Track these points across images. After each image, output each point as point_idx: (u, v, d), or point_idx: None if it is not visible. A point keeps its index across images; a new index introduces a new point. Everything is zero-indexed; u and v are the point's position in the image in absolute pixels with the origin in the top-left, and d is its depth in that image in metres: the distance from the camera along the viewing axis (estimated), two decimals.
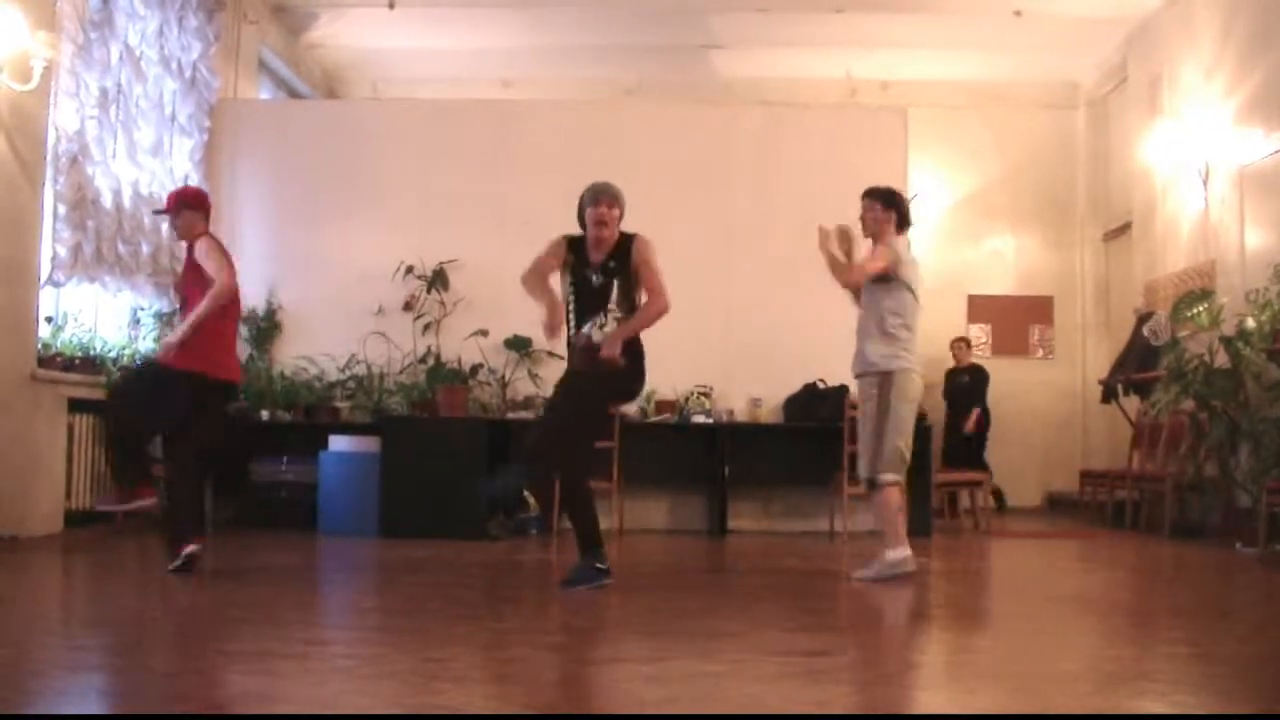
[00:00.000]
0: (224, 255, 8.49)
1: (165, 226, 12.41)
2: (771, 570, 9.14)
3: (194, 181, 12.98)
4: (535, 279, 8.11)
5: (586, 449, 8.52)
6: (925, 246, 16.89)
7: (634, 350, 8.08)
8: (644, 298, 8.08)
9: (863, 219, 8.84)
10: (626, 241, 8.20)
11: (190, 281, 8.50)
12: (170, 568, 8.16)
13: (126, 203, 11.80)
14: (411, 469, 11.49)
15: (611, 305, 8.08)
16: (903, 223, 8.91)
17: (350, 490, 11.51)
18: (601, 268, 8.14)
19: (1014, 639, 6.55)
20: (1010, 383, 17.20)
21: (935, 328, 16.67)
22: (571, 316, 8.15)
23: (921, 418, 12.44)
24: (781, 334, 12.75)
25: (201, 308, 8.21)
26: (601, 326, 8.06)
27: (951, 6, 15.06)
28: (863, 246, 8.93)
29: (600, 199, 8.17)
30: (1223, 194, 12.89)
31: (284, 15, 15.56)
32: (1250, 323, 11.38)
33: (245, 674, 5.19)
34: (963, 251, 17.50)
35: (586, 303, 8.12)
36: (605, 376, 7.98)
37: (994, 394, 17.03)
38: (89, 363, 11.35)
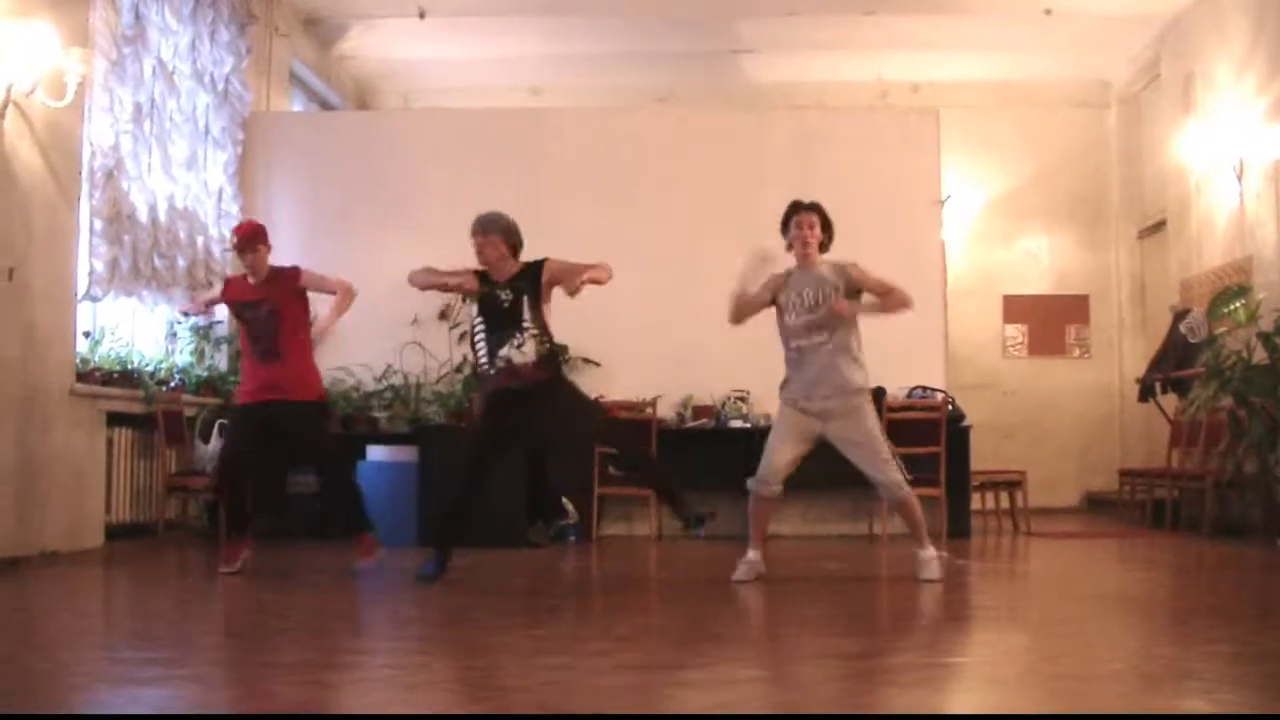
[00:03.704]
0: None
1: (201, 241, 12.52)
2: (811, 575, 9.13)
3: (228, 195, 13.05)
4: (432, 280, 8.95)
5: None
6: (959, 248, 16.88)
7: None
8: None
9: (805, 238, 8.66)
10: (536, 264, 8.54)
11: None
12: None
13: (162, 217, 11.85)
14: (449, 478, 11.47)
15: (526, 322, 8.42)
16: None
17: (388, 500, 11.49)
18: (510, 285, 8.49)
19: (1055, 639, 6.53)
20: (1047, 382, 17.17)
21: (971, 329, 16.71)
22: (482, 342, 8.52)
23: (959, 419, 12.47)
24: None
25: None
26: (519, 346, 8.36)
27: (982, 7, 15.01)
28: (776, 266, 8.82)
29: (475, 230, 8.69)
30: (1258, 189, 12.82)
31: (315, 28, 15.60)
32: None
33: (289, 685, 5.20)
34: (997, 252, 17.45)
35: (498, 323, 8.48)
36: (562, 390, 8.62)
37: (1031, 394, 17.03)
38: (127, 377, 11.41)
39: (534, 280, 8.39)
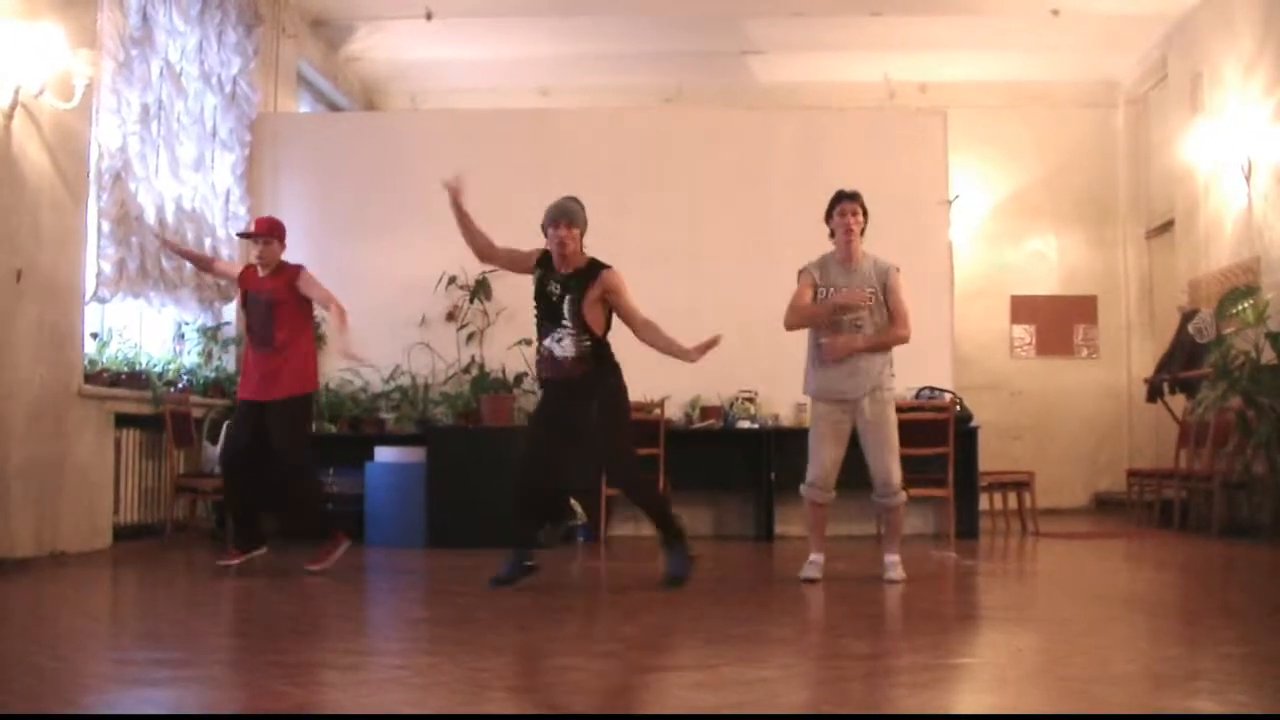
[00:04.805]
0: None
1: (209, 242, 12.52)
2: (820, 575, 9.10)
3: (236, 196, 13.07)
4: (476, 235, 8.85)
5: (636, 459, 8.96)
6: (967, 248, 16.87)
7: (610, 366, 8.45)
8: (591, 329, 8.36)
9: (849, 225, 8.71)
10: (595, 268, 8.38)
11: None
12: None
13: (170, 218, 11.86)
14: (457, 479, 11.48)
15: (566, 320, 8.30)
16: None
17: (397, 501, 11.52)
18: (563, 281, 8.36)
19: (1065, 640, 6.52)
20: (1055, 383, 17.17)
21: (979, 329, 16.69)
22: (536, 327, 8.52)
23: (967, 420, 12.46)
24: None
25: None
26: (559, 341, 8.32)
27: (989, 7, 15.01)
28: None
29: (559, 221, 8.35)
30: (1266, 190, 12.81)
31: (322, 29, 15.62)
32: None
33: (297, 685, 5.20)
34: (1005, 252, 17.44)
35: (545, 314, 8.43)
36: (606, 396, 8.39)
37: (1039, 394, 17.03)
38: (135, 378, 11.42)
39: (584, 285, 8.29)
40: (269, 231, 9.42)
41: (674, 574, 8.34)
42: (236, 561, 9.10)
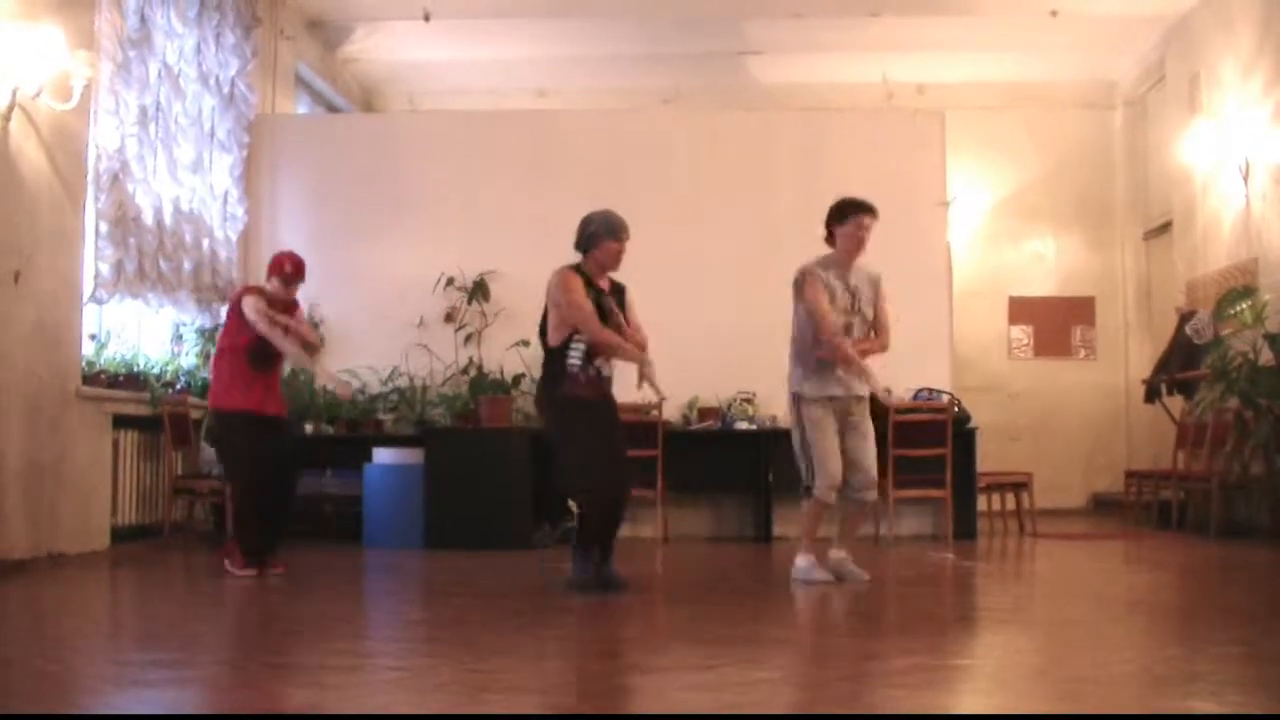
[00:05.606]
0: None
1: (207, 243, 12.53)
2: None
3: (234, 198, 13.05)
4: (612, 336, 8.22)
5: None
6: (965, 249, 16.86)
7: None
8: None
9: (863, 240, 8.68)
10: (621, 285, 8.46)
11: None
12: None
13: (168, 219, 11.85)
14: (455, 480, 11.47)
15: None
16: None
17: (395, 502, 11.51)
18: (611, 297, 8.31)
19: (1063, 641, 6.52)
20: (1053, 384, 17.15)
21: (977, 331, 16.68)
22: (580, 345, 8.18)
23: (965, 421, 12.45)
24: None
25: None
26: (609, 359, 8.28)
27: (987, 8, 15.00)
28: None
29: (623, 235, 8.25)
30: (1264, 190, 12.80)
31: (320, 30, 15.61)
32: None
33: (295, 686, 5.21)
34: (1003, 253, 17.43)
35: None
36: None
37: (1037, 395, 17.02)
38: (133, 379, 11.41)
39: (622, 297, 8.34)
40: (302, 273, 9.52)
41: (613, 576, 8.22)
42: (253, 573, 9.05)
